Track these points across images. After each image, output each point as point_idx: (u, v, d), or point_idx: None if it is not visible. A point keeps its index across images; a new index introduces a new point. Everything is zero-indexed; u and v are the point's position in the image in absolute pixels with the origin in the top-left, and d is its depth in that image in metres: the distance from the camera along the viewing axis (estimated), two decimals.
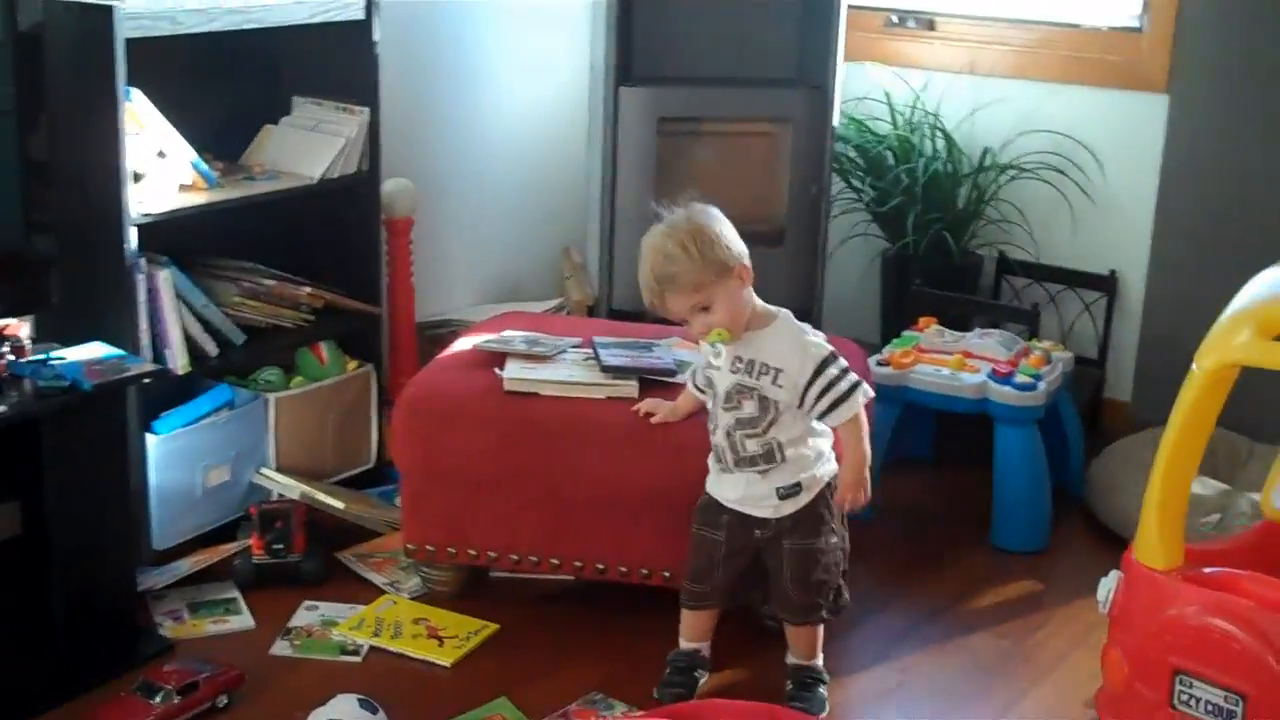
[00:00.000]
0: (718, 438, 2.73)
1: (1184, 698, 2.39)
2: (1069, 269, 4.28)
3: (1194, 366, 2.39)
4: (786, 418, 2.66)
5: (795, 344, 2.66)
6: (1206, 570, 2.39)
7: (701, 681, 2.88)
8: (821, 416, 2.66)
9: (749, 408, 2.66)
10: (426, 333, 4.09)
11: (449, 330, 4.09)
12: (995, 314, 4.22)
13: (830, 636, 2.92)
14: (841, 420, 2.66)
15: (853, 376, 2.65)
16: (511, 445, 2.98)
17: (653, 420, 2.94)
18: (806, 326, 2.72)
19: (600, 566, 3.05)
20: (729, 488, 2.75)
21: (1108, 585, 2.49)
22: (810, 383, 2.63)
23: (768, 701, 2.63)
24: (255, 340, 3.43)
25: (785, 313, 2.72)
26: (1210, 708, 2.36)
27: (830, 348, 2.68)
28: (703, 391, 2.82)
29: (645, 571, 3.03)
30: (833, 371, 2.64)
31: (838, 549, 2.77)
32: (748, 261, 2.65)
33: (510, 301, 4.36)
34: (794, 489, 2.70)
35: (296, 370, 3.59)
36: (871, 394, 2.69)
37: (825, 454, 2.74)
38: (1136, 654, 2.42)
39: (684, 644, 2.90)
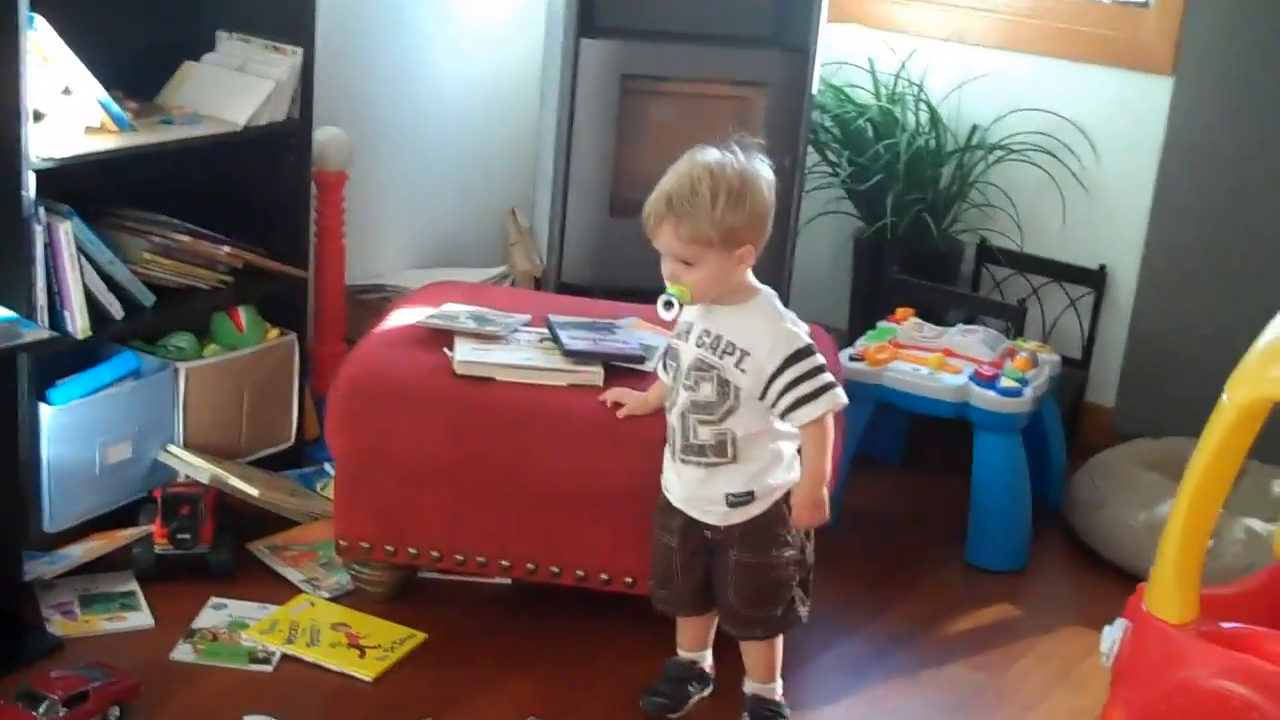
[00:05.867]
0: (672, 417, 2.62)
1: None
2: (1055, 261, 4.20)
3: (1224, 398, 2.26)
4: (746, 410, 2.54)
5: (769, 327, 2.54)
6: (1225, 626, 2.28)
7: (695, 699, 2.81)
8: (783, 415, 2.54)
9: (706, 390, 2.55)
10: (354, 297, 3.99)
11: (380, 296, 4.02)
12: (977, 307, 4.14)
13: (793, 664, 2.83)
14: (802, 422, 2.53)
15: (826, 377, 2.53)
16: (462, 434, 2.87)
17: (620, 414, 2.83)
18: (788, 312, 2.60)
19: (555, 569, 2.96)
20: (675, 482, 2.65)
21: (1113, 635, 2.37)
22: (777, 374, 2.51)
23: None
24: (166, 303, 3.30)
25: (767, 291, 2.60)
26: None
27: (808, 340, 2.55)
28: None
29: (605, 576, 2.95)
30: (804, 366, 2.51)
31: (791, 564, 2.66)
32: (760, 244, 2.54)
33: (447, 267, 4.26)
34: (745, 497, 2.59)
35: (211, 337, 3.46)
36: (844, 400, 2.57)
37: (786, 460, 2.61)
38: (1144, 718, 2.31)
39: (680, 653, 2.83)
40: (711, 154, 2.51)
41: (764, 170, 2.53)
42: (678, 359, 2.61)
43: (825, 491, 2.58)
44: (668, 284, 2.54)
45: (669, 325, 2.73)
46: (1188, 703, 2.26)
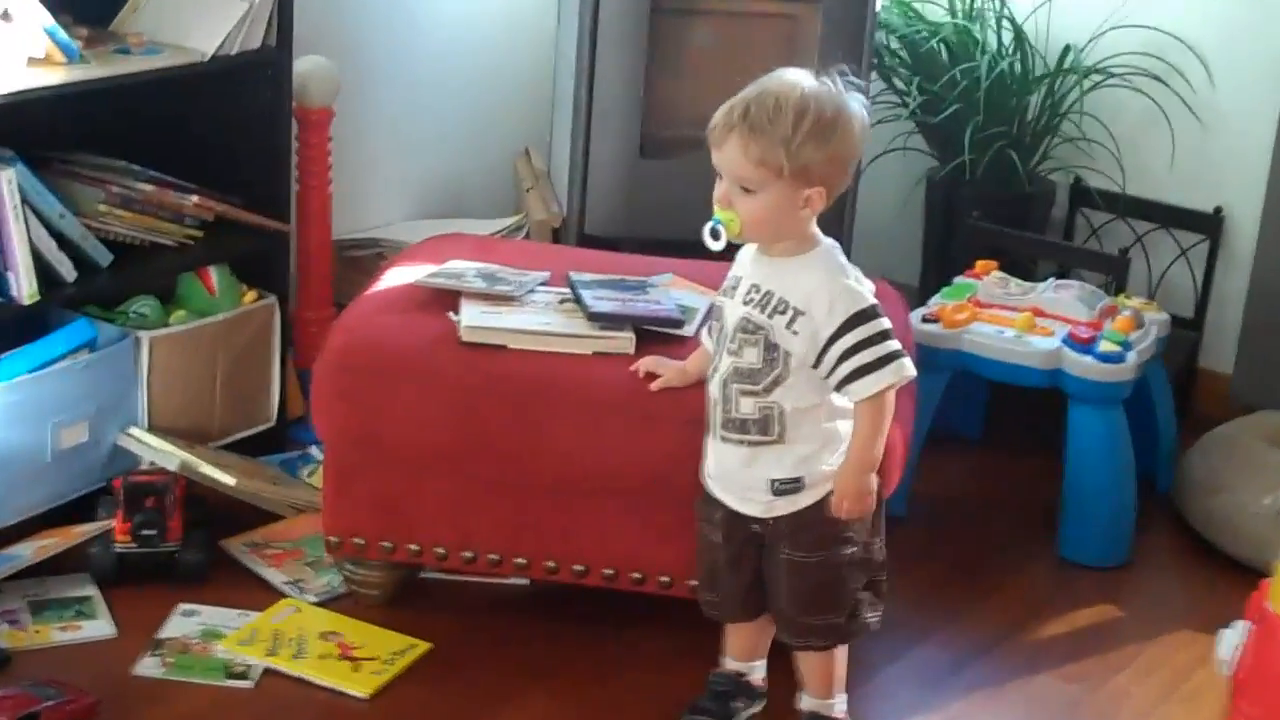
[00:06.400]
0: (713, 386, 2.62)
1: None
2: (1163, 204, 4.22)
3: None
4: (799, 380, 2.53)
5: (829, 284, 2.52)
6: None
7: (743, 716, 2.82)
8: (839, 386, 2.53)
9: (750, 355, 2.54)
10: (343, 254, 4.03)
11: (374, 252, 4.06)
12: (1071, 259, 4.17)
13: (855, 676, 2.83)
14: (860, 396, 2.52)
15: (891, 345, 2.52)
16: (470, 412, 2.88)
17: (653, 386, 2.83)
18: (853, 268, 2.59)
19: (579, 568, 2.98)
20: (714, 464, 2.65)
21: (1233, 640, 2.35)
22: (834, 338, 2.50)
23: None
24: (125, 262, 3.34)
25: (830, 243, 2.59)
26: None
27: (873, 301, 2.54)
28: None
29: (638, 575, 2.96)
30: (866, 330, 2.50)
31: (856, 561, 2.64)
32: (833, 192, 2.52)
33: (451, 218, 4.29)
34: (793, 485, 2.58)
35: (178, 302, 3.50)
36: (911, 373, 2.57)
37: (844, 443, 2.60)
38: None
39: (726, 663, 2.84)
40: (806, 75, 2.51)
41: (860, 112, 2.53)
42: (722, 319, 2.61)
43: (872, 479, 2.58)
44: (716, 208, 2.52)
45: (713, 283, 2.71)
46: None
